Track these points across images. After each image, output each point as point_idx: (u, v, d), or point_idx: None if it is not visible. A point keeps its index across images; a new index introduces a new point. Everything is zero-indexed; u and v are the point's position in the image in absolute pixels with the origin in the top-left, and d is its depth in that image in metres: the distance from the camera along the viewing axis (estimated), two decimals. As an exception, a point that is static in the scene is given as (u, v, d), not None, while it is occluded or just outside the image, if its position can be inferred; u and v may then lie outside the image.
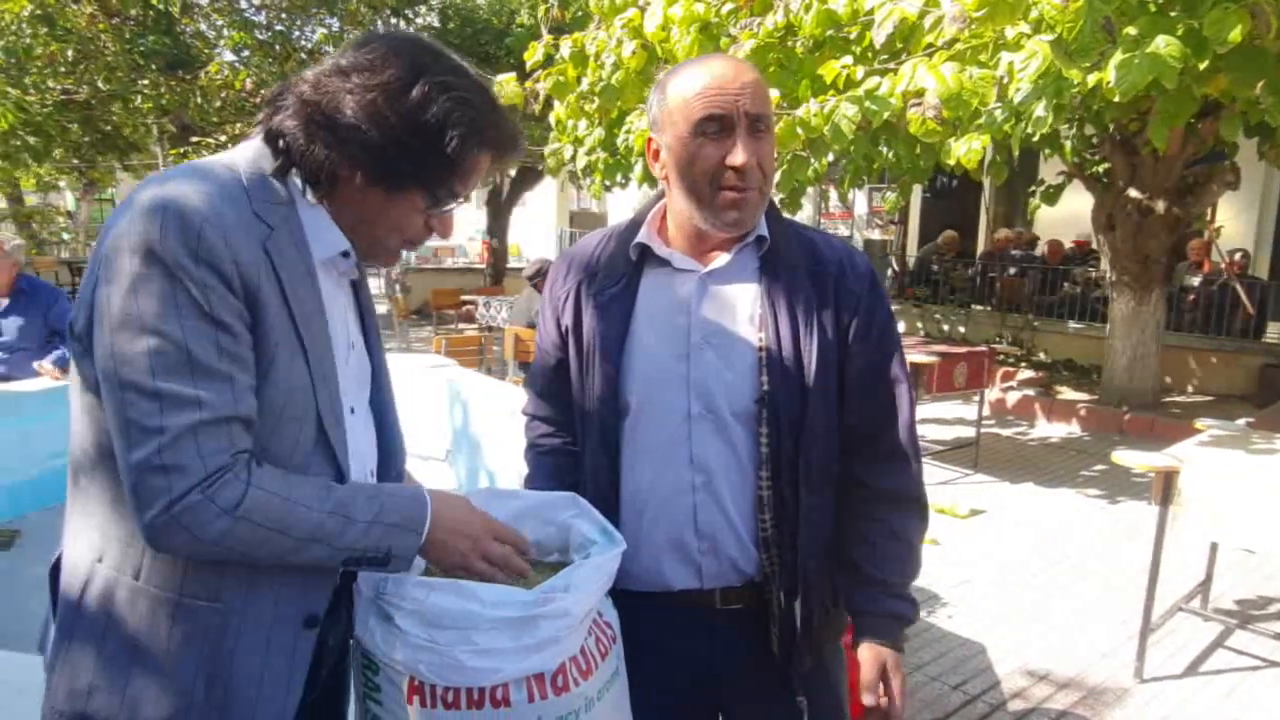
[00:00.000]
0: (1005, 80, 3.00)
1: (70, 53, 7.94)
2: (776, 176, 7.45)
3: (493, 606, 1.11)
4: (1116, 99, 3.05)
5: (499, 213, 14.57)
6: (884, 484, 1.46)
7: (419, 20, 11.24)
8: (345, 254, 1.16)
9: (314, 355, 1.08)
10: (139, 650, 1.04)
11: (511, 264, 15.08)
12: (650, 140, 1.44)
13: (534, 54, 5.65)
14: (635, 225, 1.50)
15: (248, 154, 1.10)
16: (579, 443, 1.55)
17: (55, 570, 1.12)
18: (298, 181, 1.10)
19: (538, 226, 19.57)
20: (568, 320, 1.51)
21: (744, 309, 1.42)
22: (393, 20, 10.43)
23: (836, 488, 1.47)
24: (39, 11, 7.84)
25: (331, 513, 1.04)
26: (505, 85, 5.55)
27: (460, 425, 5.14)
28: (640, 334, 1.44)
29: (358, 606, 1.18)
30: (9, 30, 7.90)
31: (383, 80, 1.04)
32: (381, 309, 14.16)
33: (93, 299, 0.98)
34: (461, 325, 11.05)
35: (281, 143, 1.06)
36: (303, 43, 10.05)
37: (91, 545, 1.06)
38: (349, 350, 1.20)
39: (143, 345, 0.95)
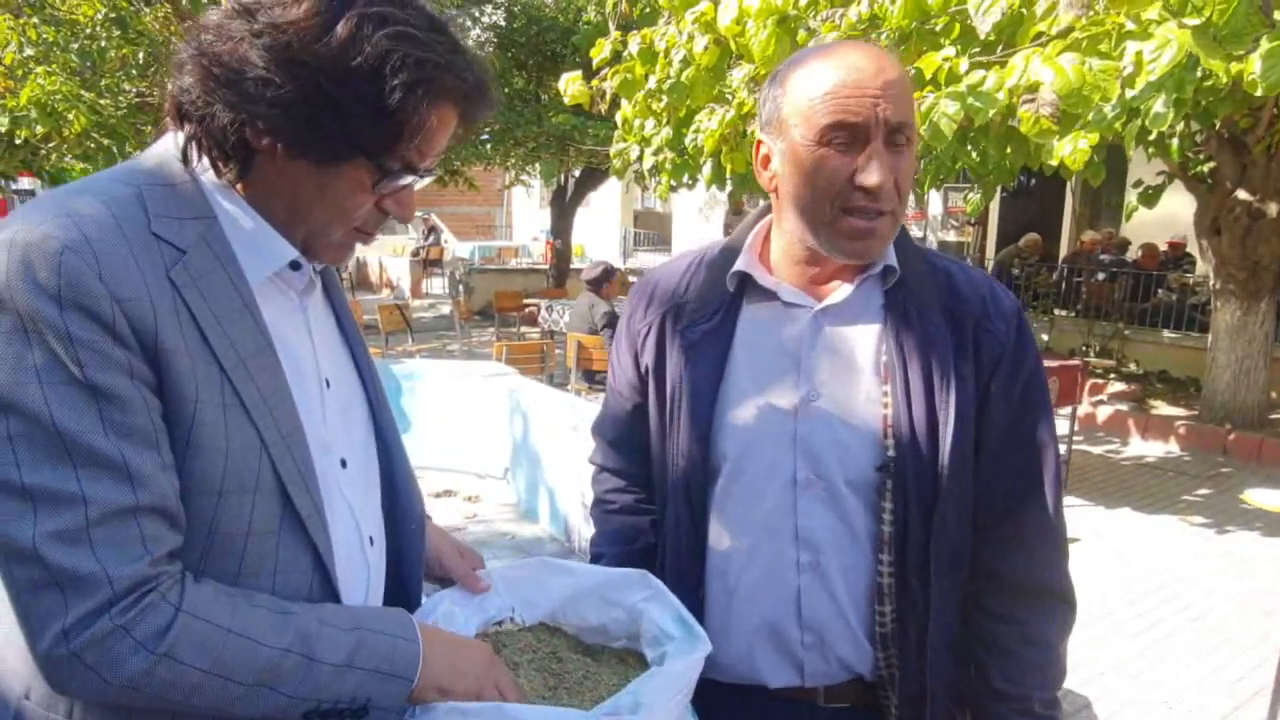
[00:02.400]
0: (1131, 72, 2.66)
1: (141, 55, 8.02)
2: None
3: None
4: (1259, 93, 2.70)
5: (563, 213, 14.42)
6: (1021, 574, 1.19)
7: (485, 19, 11.16)
8: (295, 265, 0.91)
9: (259, 407, 0.84)
10: None
11: (575, 265, 14.94)
12: (760, 144, 1.18)
13: (601, 51, 5.44)
14: (731, 249, 1.25)
15: (152, 159, 0.88)
16: (658, 504, 1.31)
17: None
18: (210, 182, 0.87)
19: (602, 227, 19.44)
20: (648, 360, 1.28)
21: (866, 355, 1.17)
22: (459, 19, 10.36)
23: (965, 575, 1.21)
24: (112, 15, 7.93)
25: (287, 650, 0.81)
26: (571, 84, 5.35)
27: (520, 438, 4.97)
28: (738, 380, 1.20)
29: None
30: (83, 34, 8.02)
31: (297, 16, 0.79)
32: (444, 309, 14.17)
33: None
34: (524, 328, 10.93)
35: (181, 112, 0.83)
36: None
37: (18, 675, 0.85)
38: (322, 390, 0.95)
39: None
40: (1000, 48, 3.92)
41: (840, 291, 1.18)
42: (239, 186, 0.87)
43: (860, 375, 1.17)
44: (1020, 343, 1.19)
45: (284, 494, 0.85)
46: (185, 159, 0.85)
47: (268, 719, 0.83)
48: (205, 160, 0.85)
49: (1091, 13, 2.55)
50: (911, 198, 12.76)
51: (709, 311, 1.22)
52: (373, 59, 0.79)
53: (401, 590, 1.09)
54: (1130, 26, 2.81)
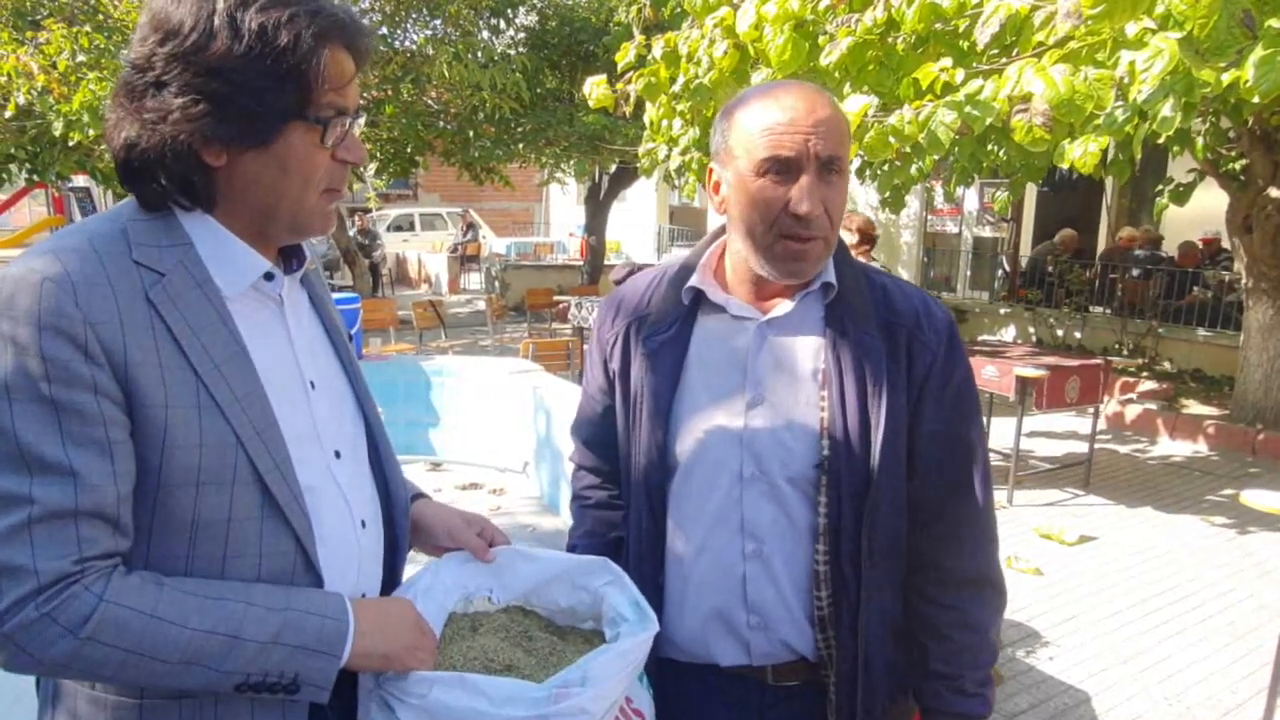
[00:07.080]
0: (1126, 81, 2.72)
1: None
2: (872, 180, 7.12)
3: (501, 704, 1.00)
4: (1255, 99, 2.74)
5: (598, 210, 14.54)
6: (956, 564, 1.30)
7: (519, 20, 11.31)
8: (269, 276, 1.03)
9: (233, 407, 0.94)
10: None
11: (610, 261, 15.06)
12: (710, 170, 1.31)
13: (625, 55, 5.55)
14: (688, 266, 1.38)
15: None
16: (624, 499, 1.44)
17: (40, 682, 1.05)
18: (184, 219, 0.98)
19: (638, 223, 19.55)
20: (615, 365, 1.41)
21: (806, 364, 1.28)
22: (493, 20, 10.52)
23: (903, 564, 1.32)
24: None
25: (211, 632, 0.90)
26: (595, 88, 5.48)
27: (543, 434, 5.12)
28: (692, 385, 1.32)
29: (360, 691, 1.09)
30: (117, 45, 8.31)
31: (181, 42, 0.91)
32: (480, 305, 14.40)
33: None
34: (555, 325, 11.09)
35: (133, 169, 0.96)
36: (407, 43, 10.23)
37: None
38: (307, 390, 1.06)
39: None
40: (1015, 52, 3.96)
41: (783, 306, 1.30)
42: (212, 215, 0.99)
43: (801, 382, 1.28)
44: (951, 352, 1.29)
45: (262, 484, 0.96)
46: (154, 206, 0.98)
47: (205, 689, 0.94)
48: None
49: (1088, 24, 2.61)
50: (940, 193, 12.66)
51: (667, 323, 1.35)
52: (256, 39, 0.91)
53: (392, 568, 1.20)
54: (1129, 33, 2.86)
